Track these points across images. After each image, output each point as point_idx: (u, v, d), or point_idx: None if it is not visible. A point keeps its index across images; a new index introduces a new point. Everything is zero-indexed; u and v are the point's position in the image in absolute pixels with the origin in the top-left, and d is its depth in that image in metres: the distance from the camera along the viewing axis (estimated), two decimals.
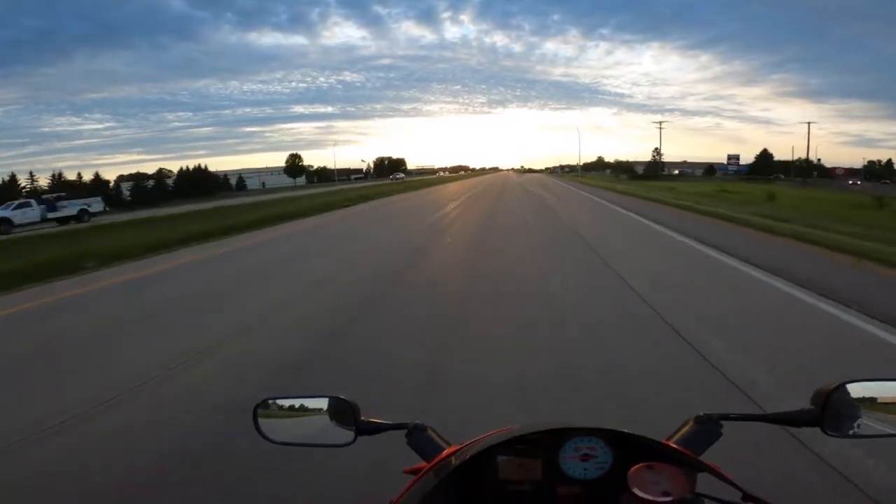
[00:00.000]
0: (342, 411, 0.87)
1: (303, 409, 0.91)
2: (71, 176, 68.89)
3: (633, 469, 0.63)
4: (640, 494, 0.59)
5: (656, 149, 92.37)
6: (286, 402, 0.90)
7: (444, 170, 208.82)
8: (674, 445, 0.71)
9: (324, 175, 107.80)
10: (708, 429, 0.80)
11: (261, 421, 0.89)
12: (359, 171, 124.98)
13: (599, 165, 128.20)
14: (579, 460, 0.74)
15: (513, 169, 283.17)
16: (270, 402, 0.90)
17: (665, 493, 0.59)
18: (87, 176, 73.34)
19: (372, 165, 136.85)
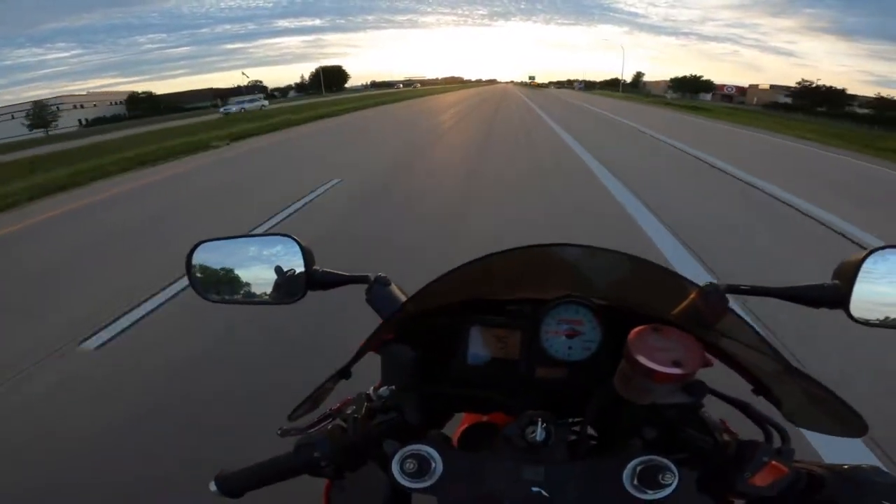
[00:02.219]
0: (291, 256, 0.72)
1: (245, 252, 0.77)
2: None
3: (635, 331, 0.52)
4: (644, 362, 0.49)
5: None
6: (226, 245, 0.76)
7: (421, 81, 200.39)
8: (683, 311, 0.58)
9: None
10: (715, 301, 0.62)
11: (197, 268, 0.75)
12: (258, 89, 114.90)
13: (611, 83, 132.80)
14: (564, 336, 0.66)
15: (513, 81, 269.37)
16: (207, 243, 0.75)
17: (676, 364, 0.48)
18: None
19: (306, 77, 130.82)
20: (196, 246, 0.76)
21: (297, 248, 0.72)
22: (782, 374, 0.54)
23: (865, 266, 0.61)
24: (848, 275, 0.61)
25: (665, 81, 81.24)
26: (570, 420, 0.64)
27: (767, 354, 0.54)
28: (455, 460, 0.52)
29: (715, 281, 0.64)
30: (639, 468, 0.49)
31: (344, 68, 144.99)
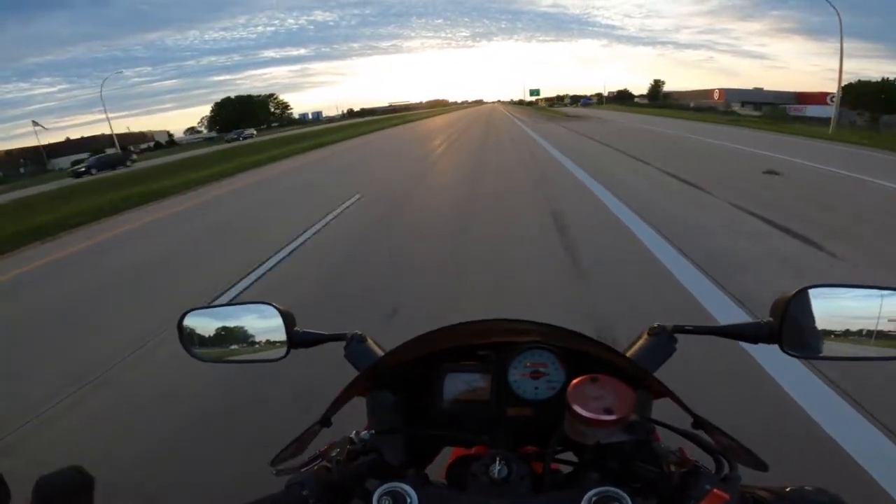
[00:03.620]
0: (274, 321, 0.84)
1: (231, 319, 0.88)
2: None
3: (574, 382, 0.59)
4: (579, 411, 0.55)
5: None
6: (212, 312, 0.89)
7: (405, 106, 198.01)
8: (623, 359, 0.67)
9: None
10: (662, 342, 0.77)
11: (187, 334, 0.87)
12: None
13: (621, 97, 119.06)
14: (530, 378, 0.72)
15: (499, 101, 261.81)
16: (195, 311, 0.88)
17: (607, 411, 0.55)
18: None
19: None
20: (185, 314, 0.87)
21: (278, 314, 0.83)
22: (700, 422, 0.62)
23: (795, 303, 0.68)
24: (778, 312, 0.69)
25: (715, 91, 62.35)
26: (540, 454, 0.69)
27: (684, 407, 0.60)
28: (429, 496, 0.57)
29: (662, 323, 0.77)
30: (594, 499, 0.54)
31: (279, 97, 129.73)
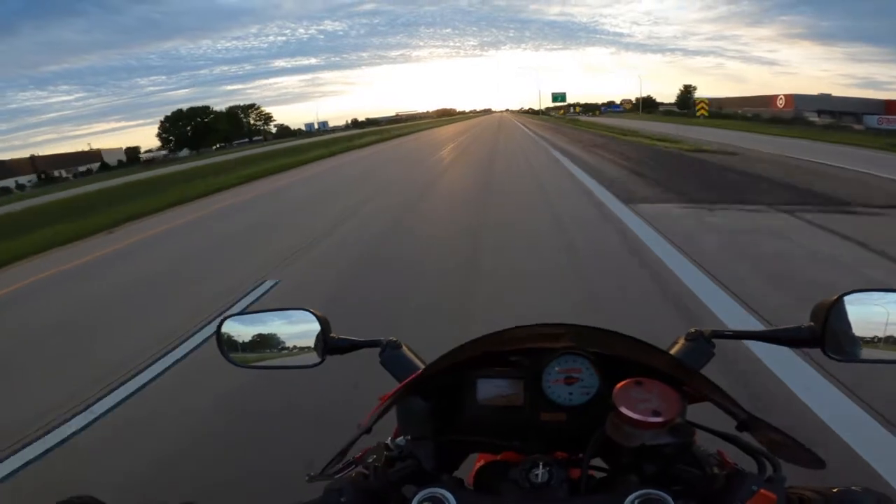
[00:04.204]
0: (310, 327, 0.85)
1: (268, 325, 0.89)
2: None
3: (619, 385, 0.60)
4: (627, 413, 0.56)
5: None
6: (250, 318, 0.90)
7: (409, 116, 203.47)
8: (667, 360, 0.67)
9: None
10: (700, 347, 0.76)
11: (225, 340, 0.89)
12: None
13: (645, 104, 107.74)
14: (563, 384, 0.71)
15: (508, 110, 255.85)
16: (233, 318, 0.90)
17: (655, 413, 0.56)
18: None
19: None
20: (223, 320, 0.88)
21: (315, 319, 0.84)
22: (752, 420, 0.61)
23: (837, 308, 0.69)
24: (821, 316, 0.69)
25: (779, 97, 49.45)
26: (572, 459, 0.70)
27: (734, 405, 0.61)
28: (468, 501, 0.57)
29: (699, 328, 0.78)
30: (636, 501, 0.53)
31: (263, 108, 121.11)
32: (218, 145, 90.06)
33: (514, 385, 0.74)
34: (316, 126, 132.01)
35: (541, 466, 0.60)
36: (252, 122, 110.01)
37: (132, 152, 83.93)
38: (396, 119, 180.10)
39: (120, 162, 77.00)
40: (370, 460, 0.65)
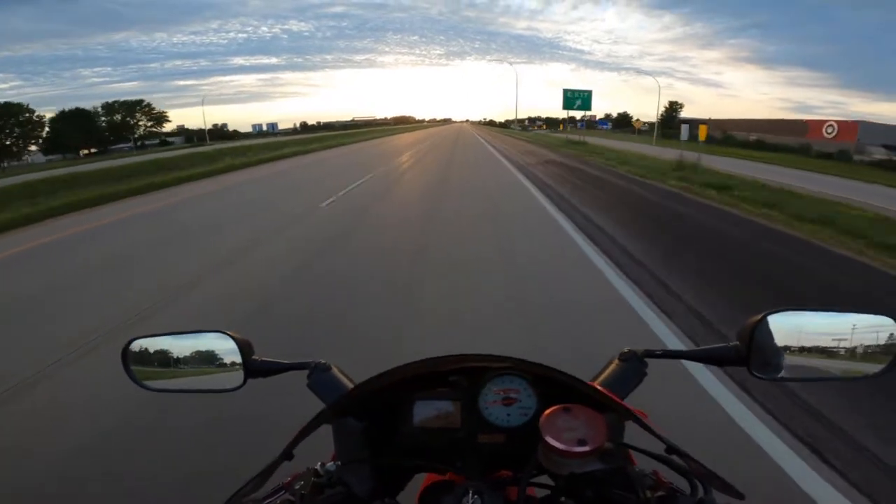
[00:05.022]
0: (229, 349, 0.84)
1: (181, 347, 0.87)
2: None
3: (546, 413, 0.63)
4: (553, 443, 0.58)
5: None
6: (160, 340, 0.88)
7: (366, 122, 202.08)
8: (599, 387, 0.70)
9: None
10: (633, 367, 0.81)
11: (134, 365, 0.87)
12: None
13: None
14: (502, 404, 0.74)
15: (468, 121, 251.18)
16: (141, 340, 0.88)
17: (581, 442, 0.58)
18: None
19: None
20: (130, 342, 0.86)
21: (232, 342, 0.83)
22: (672, 448, 0.64)
23: (760, 327, 0.73)
24: (746, 336, 0.73)
25: (828, 124, 36.27)
26: (515, 478, 0.72)
27: (655, 434, 0.64)
28: None
29: (632, 348, 0.82)
30: None
31: (157, 109, 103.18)
32: (88, 151, 79.26)
33: (452, 405, 0.75)
34: (264, 128, 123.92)
35: (471, 494, 0.61)
36: (140, 122, 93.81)
37: None
38: (353, 124, 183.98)
39: None
40: (297, 487, 0.66)
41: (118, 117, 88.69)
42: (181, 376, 0.84)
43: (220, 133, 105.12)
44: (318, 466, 0.70)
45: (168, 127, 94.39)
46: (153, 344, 0.85)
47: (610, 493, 0.60)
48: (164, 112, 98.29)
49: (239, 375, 0.81)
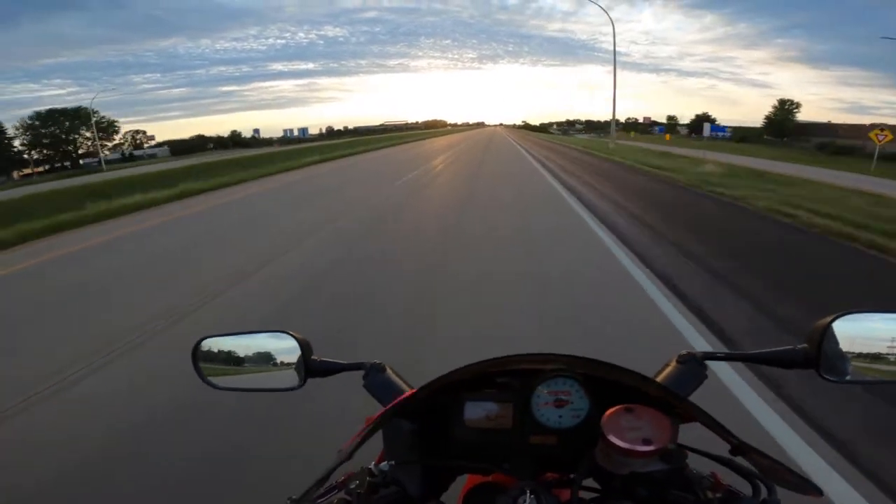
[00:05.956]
0: (290, 349, 0.89)
1: (247, 346, 0.92)
2: None
3: (609, 413, 0.62)
4: (616, 442, 0.57)
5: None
6: (227, 340, 0.93)
7: (395, 126, 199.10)
8: (666, 386, 0.69)
9: None
10: (692, 369, 0.79)
11: (202, 363, 0.93)
12: None
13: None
14: (553, 406, 0.73)
15: (502, 124, 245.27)
16: (210, 340, 0.94)
17: (646, 441, 0.57)
18: None
19: None
20: (200, 341, 0.92)
21: (295, 342, 0.87)
22: (743, 446, 0.64)
23: (830, 330, 0.73)
24: (815, 338, 0.72)
25: None
26: (563, 480, 0.74)
27: (724, 431, 0.64)
28: None
29: (692, 350, 0.80)
30: None
31: (108, 116, 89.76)
32: (31, 171, 73.05)
33: (502, 407, 0.76)
34: (295, 133, 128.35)
35: (528, 494, 0.62)
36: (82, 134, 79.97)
37: None
38: (381, 129, 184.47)
39: None
40: (352, 486, 0.68)
41: (55, 129, 75.52)
42: (244, 374, 0.89)
43: (236, 140, 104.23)
44: (371, 466, 0.73)
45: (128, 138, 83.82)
46: (220, 343, 0.90)
47: (668, 493, 0.62)
48: (114, 121, 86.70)
49: (299, 376, 0.85)
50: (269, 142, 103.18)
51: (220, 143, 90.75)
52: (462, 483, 0.82)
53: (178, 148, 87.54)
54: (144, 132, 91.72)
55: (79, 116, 74.83)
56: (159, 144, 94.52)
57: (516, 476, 0.70)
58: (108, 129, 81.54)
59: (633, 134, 78.25)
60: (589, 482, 0.71)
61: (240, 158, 34.27)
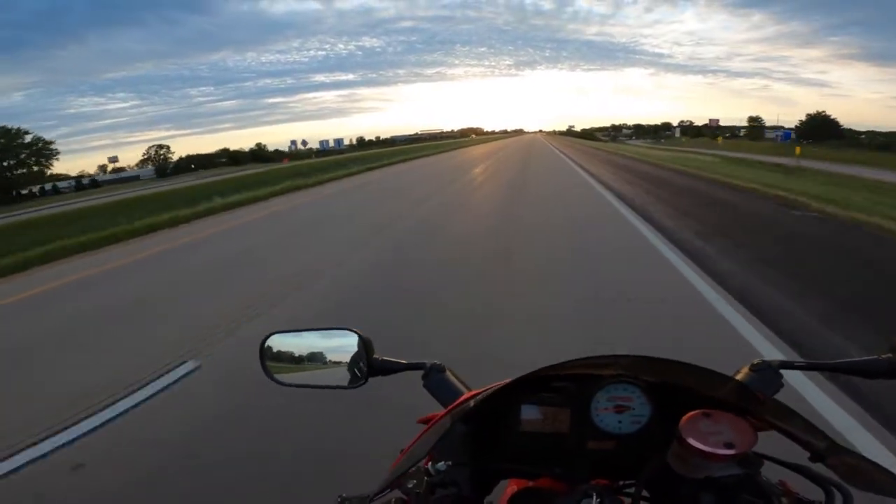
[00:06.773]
0: (353, 347, 0.91)
1: (311, 343, 0.96)
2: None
3: (687, 417, 0.62)
4: (698, 445, 0.57)
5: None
6: (292, 337, 0.97)
7: (429, 135, 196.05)
8: (749, 387, 0.68)
9: None
10: (766, 378, 0.77)
11: (268, 355, 0.96)
12: None
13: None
14: (613, 412, 0.73)
15: (541, 131, 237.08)
16: (276, 336, 0.97)
17: (728, 445, 0.56)
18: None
19: None
20: (267, 336, 0.95)
21: (359, 340, 0.89)
22: (832, 448, 0.62)
23: None
24: None
25: None
26: (614, 487, 0.75)
27: (814, 432, 0.62)
28: None
29: (766, 358, 0.77)
30: None
31: (45, 138, 71.13)
32: None
33: (559, 412, 0.76)
34: (331, 144, 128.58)
35: (594, 497, 0.62)
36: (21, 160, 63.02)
37: None
38: (416, 138, 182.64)
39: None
40: (410, 486, 0.69)
41: None
42: (309, 370, 0.91)
43: (257, 155, 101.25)
44: (427, 466, 0.74)
45: (86, 164, 69.00)
46: (286, 340, 0.93)
47: (739, 499, 0.61)
48: (49, 142, 69.88)
49: (361, 373, 0.87)
50: (307, 154, 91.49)
51: (233, 158, 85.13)
52: (503, 488, 0.82)
53: (186, 164, 77.18)
54: (168, 147, 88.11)
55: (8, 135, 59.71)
56: (180, 159, 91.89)
57: (567, 481, 0.72)
58: (42, 152, 64.24)
59: (720, 140, 68.69)
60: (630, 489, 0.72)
61: (227, 181, 29.71)
